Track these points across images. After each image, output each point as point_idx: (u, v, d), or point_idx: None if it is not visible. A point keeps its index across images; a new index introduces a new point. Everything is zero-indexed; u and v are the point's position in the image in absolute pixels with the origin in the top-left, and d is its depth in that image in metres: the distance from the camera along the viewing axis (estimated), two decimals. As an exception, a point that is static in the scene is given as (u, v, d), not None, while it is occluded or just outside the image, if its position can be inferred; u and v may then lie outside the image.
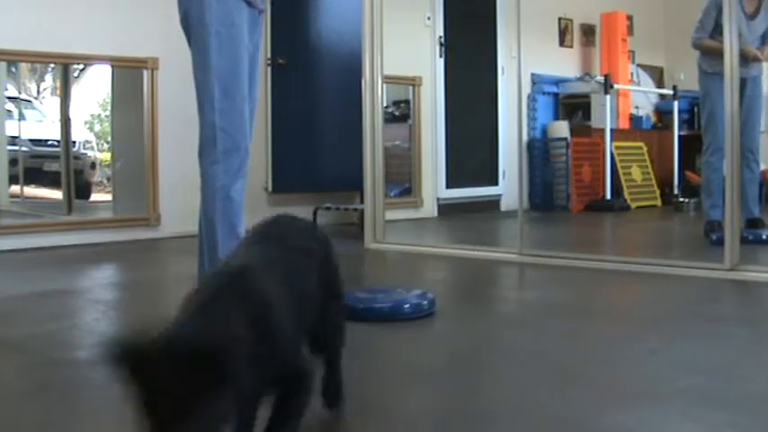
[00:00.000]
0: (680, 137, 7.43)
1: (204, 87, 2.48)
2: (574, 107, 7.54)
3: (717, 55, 4.23)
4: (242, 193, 2.55)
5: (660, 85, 8.41)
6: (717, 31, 4.42)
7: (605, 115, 7.01)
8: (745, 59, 4.26)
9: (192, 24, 2.49)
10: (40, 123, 6.04)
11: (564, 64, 7.68)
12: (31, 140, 5.78)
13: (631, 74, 8.02)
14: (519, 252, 4.05)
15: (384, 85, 4.67)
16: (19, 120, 5.83)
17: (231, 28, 2.50)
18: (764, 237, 4.34)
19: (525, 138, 6.78)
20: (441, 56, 6.49)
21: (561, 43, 7.73)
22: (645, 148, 7.49)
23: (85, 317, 2.88)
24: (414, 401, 1.86)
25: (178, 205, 4.86)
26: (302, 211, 5.81)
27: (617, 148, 7.14)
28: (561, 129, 7.20)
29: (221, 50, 2.48)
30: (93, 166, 6.04)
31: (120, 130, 5.41)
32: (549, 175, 7.04)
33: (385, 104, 4.90)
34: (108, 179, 5.77)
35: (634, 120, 7.95)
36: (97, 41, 4.85)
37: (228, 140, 2.50)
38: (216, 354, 1.04)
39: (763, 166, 4.82)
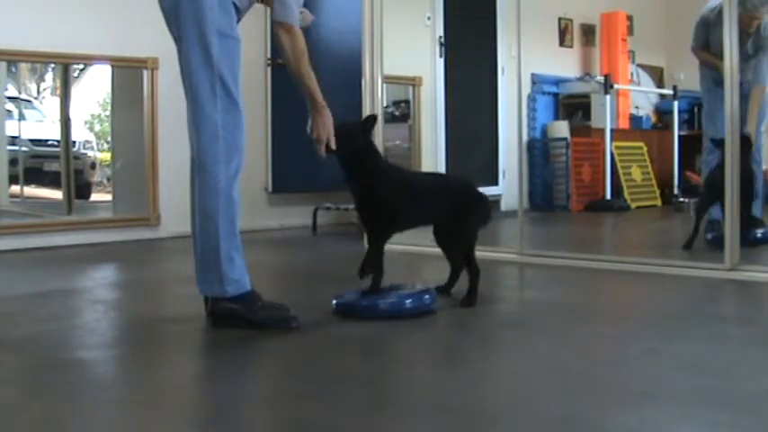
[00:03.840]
0: (680, 137, 7.43)
1: (206, 85, 2.47)
2: (574, 107, 7.54)
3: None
4: (239, 192, 2.54)
5: (660, 85, 8.41)
6: (707, 46, 4.44)
7: (605, 115, 7.00)
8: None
9: (184, 21, 2.46)
10: (40, 123, 6.05)
11: (564, 64, 7.67)
12: (31, 140, 5.78)
13: (631, 74, 8.02)
14: (519, 252, 4.05)
15: (384, 85, 4.67)
16: (19, 120, 5.83)
17: (231, 29, 2.50)
18: (759, 236, 4.34)
19: (525, 138, 6.77)
20: (441, 56, 6.49)
21: (561, 43, 7.73)
22: (645, 148, 7.49)
23: (85, 317, 2.88)
24: (414, 400, 1.86)
25: (178, 205, 4.84)
26: (302, 211, 5.82)
27: (617, 148, 7.14)
28: (561, 129, 7.20)
29: (222, 51, 2.47)
30: (93, 166, 6.05)
31: (120, 130, 5.41)
32: (549, 175, 7.04)
33: (385, 104, 4.90)
34: (108, 179, 5.78)
35: (634, 120, 7.94)
36: (97, 41, 4.85)
37: (230, 140, 2.49)
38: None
39: (764, 166, 4.82)
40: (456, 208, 2.89)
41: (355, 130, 2.79)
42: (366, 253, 2.81)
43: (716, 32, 4.34)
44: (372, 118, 2.84)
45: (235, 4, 2.52)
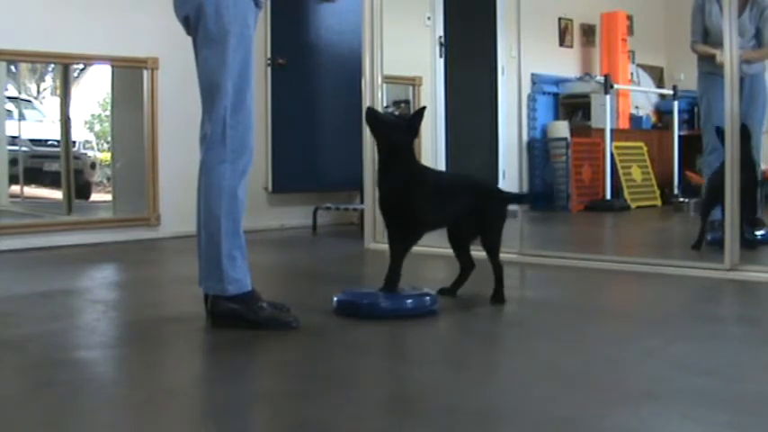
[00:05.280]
0: (680, 137, 7.43)
1: (218, 86, 2.47)
2: (574, 107, 7.54)
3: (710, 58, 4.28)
4: (246, 191, 2.55)
5: (660, 85, 8.41)
6: (705, 34, 4.43)
7: (605, 115, 7.01)
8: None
9: (206, 22, 2.47)
10: (40, 123, 6.05)
11: (564, 64, 7.68)
12: (31, 140, 5.78)
13: (631, 74, 8.02)
14: (519, 252, 4.05)
15: (384, 85, 4.67)
16: (19, 120, 5.83)
17: (246, 28, 2.50)
18: (759, 237, 4.33)
19: (525, 138, 6.78)
20: (441, 56, 6.49)
21: (561, 43, 7.73)
22: (645, 148, 7.50)
23: (85, 317, 2.88)
24: (414, 400, 1.86)
25: (178, 205, 4.86)
26: (302, 212, 5.82)
27: (617, 148, 7.14)
28: (561, 129, 7.20)
29: (237, 50, 2.47)
30: (93, 166, 6.04)
31: (120, 130, 5.40)
32: (549, 175, 7.04)
33: (385, 104, 4.90)
34: (108, 179, 5.77)
35: (634, 120, 7.95)
36: (97, 41, 4.85)
37: (238, 140, 2.50)
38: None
39: (763, 166, 4.81)
40: (481, 208, 2.89)
41: (407, 124, 2.75)
42: (390, 259, 2.76)
43: (711, 14, 4.34)
44: (422, 112, 2.76)
45: None
